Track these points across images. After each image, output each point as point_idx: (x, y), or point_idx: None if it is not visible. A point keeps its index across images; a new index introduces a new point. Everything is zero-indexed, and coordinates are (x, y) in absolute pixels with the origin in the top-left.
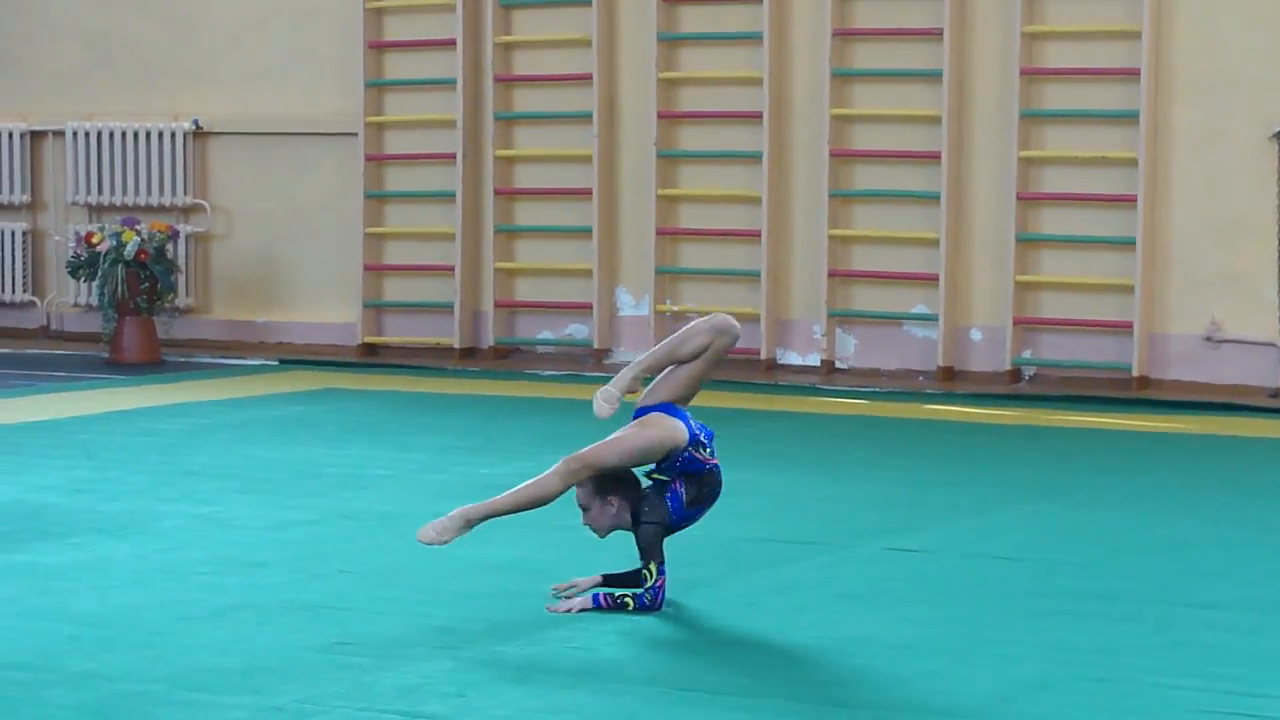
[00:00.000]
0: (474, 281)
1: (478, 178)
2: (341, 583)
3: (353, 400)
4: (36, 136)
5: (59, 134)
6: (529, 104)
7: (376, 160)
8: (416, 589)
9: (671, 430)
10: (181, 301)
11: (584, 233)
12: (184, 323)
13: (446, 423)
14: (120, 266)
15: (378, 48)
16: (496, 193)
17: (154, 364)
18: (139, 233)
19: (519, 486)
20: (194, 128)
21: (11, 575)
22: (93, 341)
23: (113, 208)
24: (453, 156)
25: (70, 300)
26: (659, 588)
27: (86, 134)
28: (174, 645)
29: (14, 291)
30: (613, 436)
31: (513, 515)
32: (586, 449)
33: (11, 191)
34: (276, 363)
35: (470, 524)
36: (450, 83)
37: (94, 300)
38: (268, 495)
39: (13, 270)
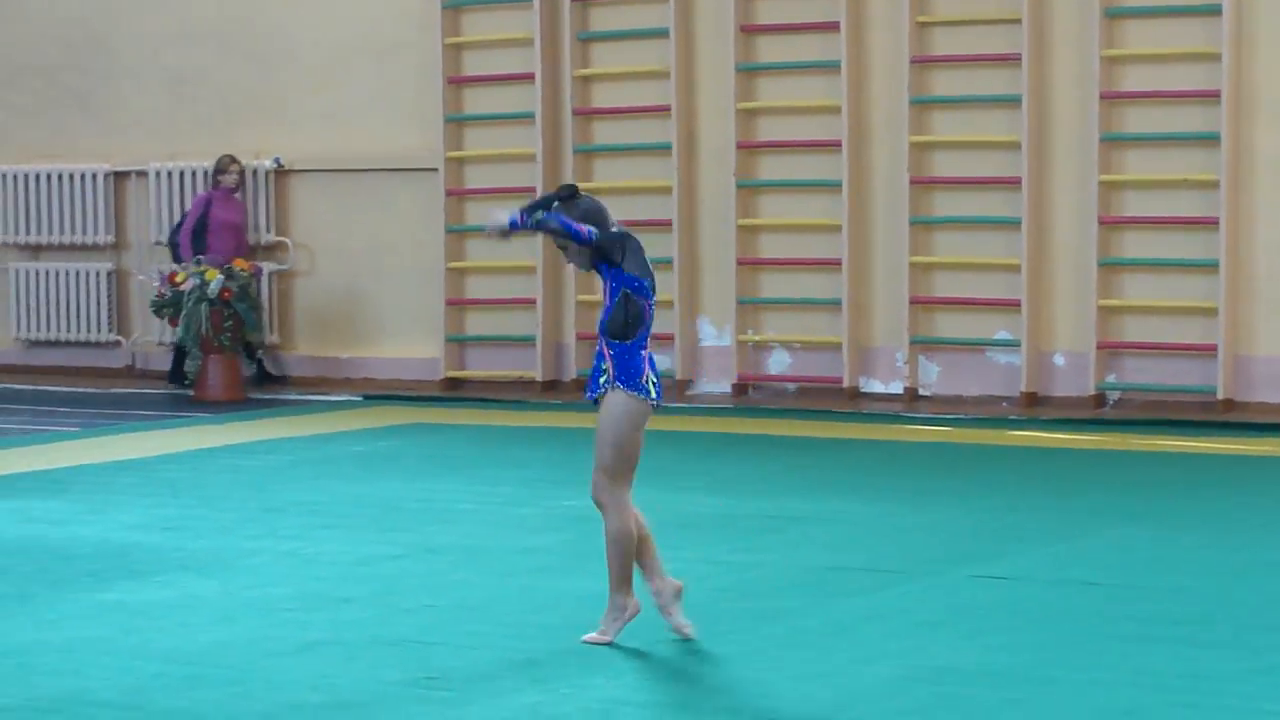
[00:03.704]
0: (556, 314)
1: None
2: (427, 617)
3: (436, 435)
4: (120, 177)
5: (142, 174)
6: (608, 137)
7: (457, 195)
8: (502, 622)
9: (627, 403)
10: (265, 339)
11: (664, 264)
12: (268, 360)
13: (530, 456)
14: (204, 305)
15: (457, 83)
16: None
17: (239, 402)
18: (222, 271)
19: (610, 557)
20: (276, 166)
21: (100, 614)
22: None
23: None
24: (533, 190)
25: (155, 339)
26: (579, 228)
27: (169, 174)
28: (262, 682)
29: (99, 331)
30: (599, 442)
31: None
32: (604, 474)
33: (96, 232)
34: (360, 398)
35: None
36: (529, 116)
37: (178, 339)
38: (353, 531)
39: (98, 310)
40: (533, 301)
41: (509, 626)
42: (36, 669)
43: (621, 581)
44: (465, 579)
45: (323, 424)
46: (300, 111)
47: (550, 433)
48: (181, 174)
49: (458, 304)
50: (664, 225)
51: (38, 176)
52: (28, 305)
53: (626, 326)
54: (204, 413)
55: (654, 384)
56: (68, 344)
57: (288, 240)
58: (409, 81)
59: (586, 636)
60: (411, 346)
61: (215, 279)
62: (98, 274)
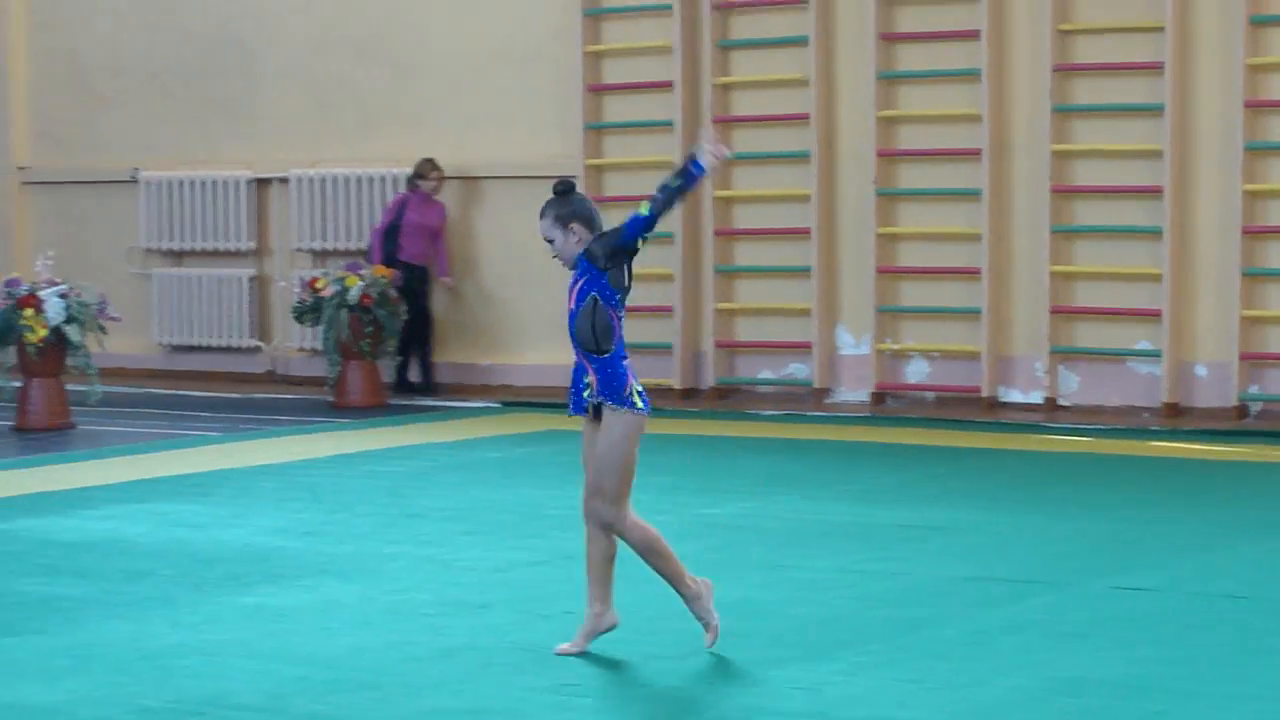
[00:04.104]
0: (694, 322)
1: (697, 219)
2: (566, 624)
3: (575, 442)
4: (262, 184)
5: (283, 181)
6: (747, 144)
7: (596, 201)
8: (640, 630)
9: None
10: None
11: (803, 272)
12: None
13: (668, 463)
14: (344, 311)
15: (597, 91)
16: (716, 233)
17: (378, 407)
18: (362, 278)
19: (658, 568)
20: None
21: (241, 617)
22: (316, 385)
23: (336, 253)
24: None
25: (295, 345)
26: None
27: (310, 180)
28: (400, 687)
29: (240, 336)
30: (600, 466)
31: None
32: (592, 489)
33: (238, 238)
34: (499, 405)
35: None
36: (668, 125)
37: (318, 345)
38: (492, 537)
39: (239, 316)
40: (670, 309)
41: (647, 634)
42: (178, 672)
43: (680, 579)
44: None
45: (462, 430)
46: (440, 119)
47: (687, 440)
48: (323, 181)
49: None
50: (802, 233)
51: (181, 183)
52: (171, 311)
53: (596, 339)
54: (344, 418)
55: (638, 393)
56: (209, 349)
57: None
58: (548, 89)
59: (710, 641)
60: (550, 354)
61: (355, 285)
62: (239, 280)
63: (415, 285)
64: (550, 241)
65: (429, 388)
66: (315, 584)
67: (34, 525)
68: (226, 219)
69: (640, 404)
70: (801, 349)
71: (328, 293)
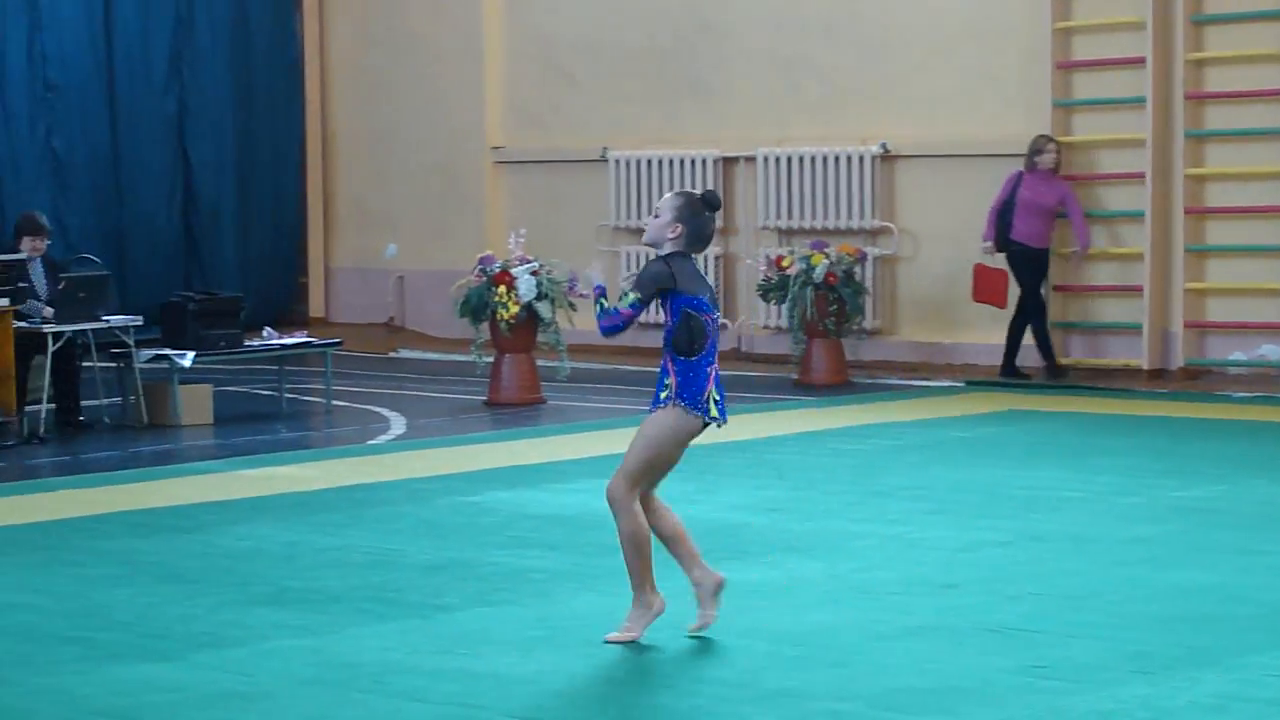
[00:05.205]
0: (1163, 302)
1: (1168, 197)
2: (1033, 605)
3: (1039, 421)
4: (728, 162)
5: (750, 159)
6: (1222, 121)
7: (1066, 180)
8: (1109, 612)
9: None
10: (868, 324)
11: (1277, 251)
12: (871, 344)
13: (1135, 444)
14: (809, 290)
15: (1065, 68)
16: (1187, 212)
17: (842, 385)
18: (828, 256)
19: (628, 558)
20: (882, 151)
21: None
22: (781, 363)
23: (801, 231)
24: (1141, 176)
25: (760, 322)
26: (621, 316)
27: (777, 159)
28: (869, 665)
29: None
30: (633, 445)
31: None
32: (624, 477)
33: None
34: (963, 384)
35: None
36: (1139, 101)
37: (783, 323)
38: (957, 516)
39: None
40: (1139, 289)
41: (1116, 617)
42: (649, 646)
43: (643, 579)
44: (1071, 567)
45: (925, 409)
46: (905, 96)
47: (1156, 422)
48: (789, 159)
49: (1063, 290)
50: (1277, 212)
51: (649, 162)
52: None
53: (691, 344)
54: (808, 396)
55: (715, 402)
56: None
57: (891, 225)
58: (1015, 66)
59: (609, 635)
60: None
61: (820, 263)
62: (705, 258)
63: (1025, 265)
64: (656, 216)
65: (1052, 371)
66: (782, 561)
67: (506, 498)
68: None
69: (713, 411)
70: (1275, 330)
71: (793, 271)
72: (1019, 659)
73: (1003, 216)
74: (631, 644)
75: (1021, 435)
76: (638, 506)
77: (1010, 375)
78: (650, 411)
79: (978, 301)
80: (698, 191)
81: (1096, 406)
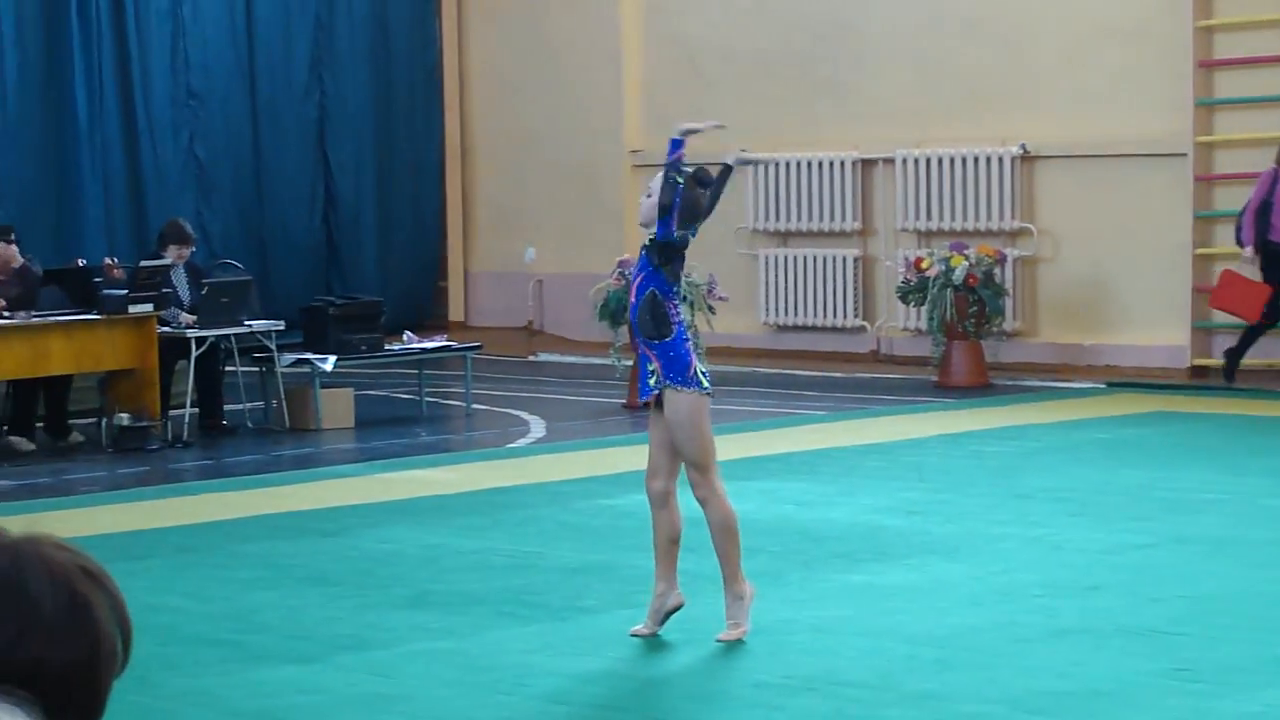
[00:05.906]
0: None
1: None
2: (1178, 608)
3: (1183, 423)
4: (867, 164)
5: (889, 161)
6: None
7: (1206, 180)
8: (1254, 616)
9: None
10: (1009, 325)
11: None
12: (1011, 346)
13: (1278, 445)
14: (949, 291)
15: (1208, 66)
16: None
17: (982, 387)
18: (967, 257)
19: (725, 549)
20: (1021, 151)
21: (849, 595)
22: (920, 365)
23: (941, 233)
24: None
25: (899, 325)
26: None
27: (915, 160)
28: (1010, 667)
29: (845, 316)
30: (680, 444)
31: None
32: (695, 470)
33: (843, 218)
34: (1104, 386)
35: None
36: None
37: (923, 325)
38: (1099, 519)
39: (844, 295)
40: None
41: (1260, 620)
42: (790, 647)
43: (739, 569)
44: (1216, 570)
45: (1066, 411)
46: (1045, 96)
47: None
48: (929, 161)
49: (1205, 291)
50: None
51: (788, 164)
52: (776, 291)
53: (657, 327)
54: (948, 398)
55: (703, 373)
56: (814, 329)
57: (1031, 226)
58: (1156, 65)
59: (721, 635)
60: (1156, 334)
61: (960, 265)
62: (844, 260)
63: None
64: (649, 196)
65: (1229, 374)
66: (922, 563)
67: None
68: (832, 199)
69: (704, 383)
70: None
71: (933, 273)
72: (1162, 662)
73: (1262, 216)
74: (742, 642)
75: (1164, 437)
76: (722, 488)
77: (1230, 374)
78: (642, 400)
79: (1215, 307)
80: (690, 168)
81: (1241, 408)
